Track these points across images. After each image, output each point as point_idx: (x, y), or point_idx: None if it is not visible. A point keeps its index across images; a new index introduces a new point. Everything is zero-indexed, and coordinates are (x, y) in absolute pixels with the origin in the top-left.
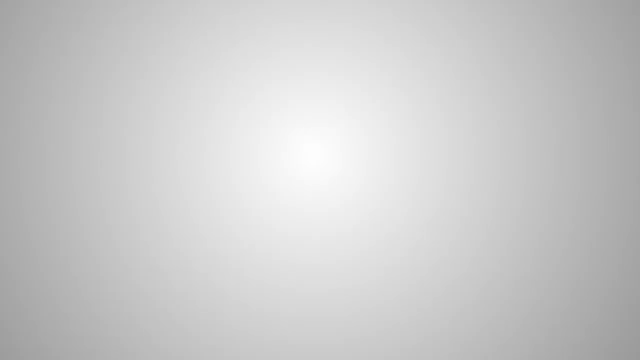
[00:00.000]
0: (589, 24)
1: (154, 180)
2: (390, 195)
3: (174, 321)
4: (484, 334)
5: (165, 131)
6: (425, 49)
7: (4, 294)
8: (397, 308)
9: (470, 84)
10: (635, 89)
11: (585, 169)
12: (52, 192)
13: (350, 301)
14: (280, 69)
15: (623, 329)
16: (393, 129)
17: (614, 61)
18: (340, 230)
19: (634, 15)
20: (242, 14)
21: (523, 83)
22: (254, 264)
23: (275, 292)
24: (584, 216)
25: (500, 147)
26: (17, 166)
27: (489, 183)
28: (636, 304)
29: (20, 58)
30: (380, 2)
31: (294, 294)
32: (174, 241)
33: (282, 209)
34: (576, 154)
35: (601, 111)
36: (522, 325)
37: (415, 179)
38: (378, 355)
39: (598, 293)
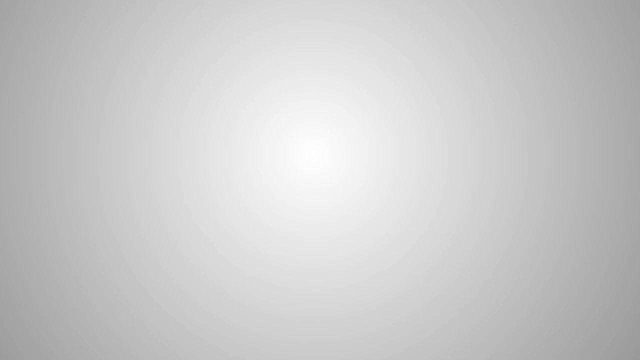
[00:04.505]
0: (589, 24)
1: (154, 180)
2: (389, 196)
3: (175, 321)
4: (484, 334)
5: (166, 131)
6: (425, 49)
7: (4, 294)
8: (397, 308)
9: (470, 84)
10: (635, 89)
11: (585, 169)
12: (52, 192)
13: (350, 300)
14: (280, 69)
15: (623, 329)
16: (393, 129)
17: (614, 61)
18: (340, 230)
19: (634, 15)
20: (242, 14)
21: (523, 83)
22: (254, 264)
23: (275, 291)
24: (584, 216)
25: (500, 147)
26: (17, 166)
27: (489, 183)
28: (636, 304)
29: (20, 58)
30: (380, 3)
31: (293, 293)
32: (174, 241)
33: (283, 209)
34: (576, 154)
35: (601, 111)
36: (522, 325)
37: (414, 179)
38: (378, 355)
39: (598, 293)
